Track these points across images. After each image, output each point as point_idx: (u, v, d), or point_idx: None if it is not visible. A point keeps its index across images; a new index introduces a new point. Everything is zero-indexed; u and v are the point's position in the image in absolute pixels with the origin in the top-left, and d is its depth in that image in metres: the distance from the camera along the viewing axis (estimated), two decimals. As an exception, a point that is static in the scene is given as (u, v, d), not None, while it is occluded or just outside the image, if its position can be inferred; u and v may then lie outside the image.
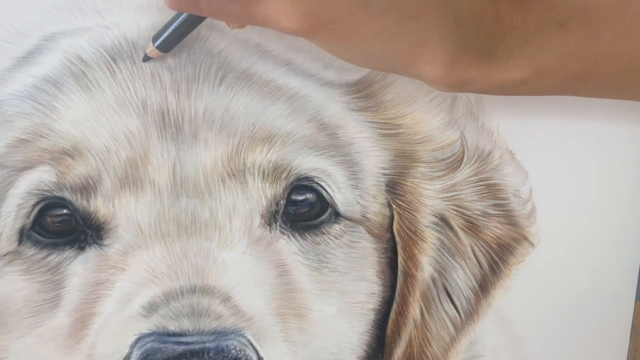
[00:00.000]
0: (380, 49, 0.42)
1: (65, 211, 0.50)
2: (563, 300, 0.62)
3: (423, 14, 0.41)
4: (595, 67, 0.46)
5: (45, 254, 0.51)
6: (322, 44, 0.43)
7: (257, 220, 0.51)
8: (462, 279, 0.57)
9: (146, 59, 0.50)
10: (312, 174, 0.52)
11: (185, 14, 0.48)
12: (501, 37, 0.43)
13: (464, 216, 0.57)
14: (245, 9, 0.40)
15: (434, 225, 0.56)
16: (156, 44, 0.49)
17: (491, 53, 0.43)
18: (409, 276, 0.56)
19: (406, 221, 0.55)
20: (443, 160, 0.56)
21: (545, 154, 0.59)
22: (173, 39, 0.49)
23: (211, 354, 0.47)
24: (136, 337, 0.48)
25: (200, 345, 0.47)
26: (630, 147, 0.60)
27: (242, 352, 0.47)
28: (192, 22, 0.48)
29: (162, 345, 0.47)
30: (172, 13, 0.50)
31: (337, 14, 0.40)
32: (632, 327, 0.64)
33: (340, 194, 0.53)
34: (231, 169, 0.50)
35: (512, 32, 0.43)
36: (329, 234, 0.53)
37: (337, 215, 0.53)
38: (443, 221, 0.56)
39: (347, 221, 0.54)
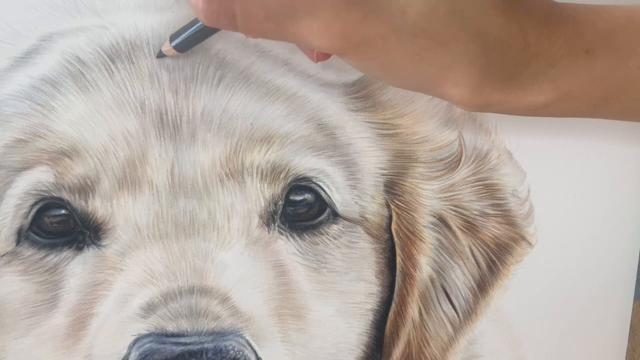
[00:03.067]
0: (408, 71, 0.43)
1: (63, 212, 0.50)
2: (561, 300, 0.62)
3: (452, 40, 0.41)
4: (619, 92, 0.46)
5: (43, 254, 0.50)
6: (352, 62, 0.44)
7: (256, 220, 0.51)
8: (461, 279, 0.57)
9: (160, 55, 0.50)
10: (311, 174, 0.52)
11: None
12: (526, 63, 0.44)
13: (462, 216, 0.57)
14: (280, 27, 0.41)
15: (432, 226, 0.56)
16: (173, 43, 0.49)
17: (515, 78, 0.44)
18: (407, 276, 0.56)
19: (404, 221, 0.55)
20: (441, 160, 0.56)
21: (542, 154, 0.59)
22: (191, 41, 0.48)
23: (209, 355, 0.47)
24: (134, 337, 0.48)
25: (199, 346, 0.47)
26: (628, 146, 0.60)
27: (241, 352, 0.47)
28: (213, 28, 0.48)
29: (160, 346, 0.47)
30: (170, 13, 0.50)
31: (369, 36, 0.41)
32: (631, 327, 0.64)
33: (338, 194, 0.53)
34: (229, 169, 0.50)
35: (538, 59, 0.44)
36: (328, 234, 0.53)
37: (335, 216, 0.53)
38: (441, 221, 0.56)
39: (345, 221, 0.54)
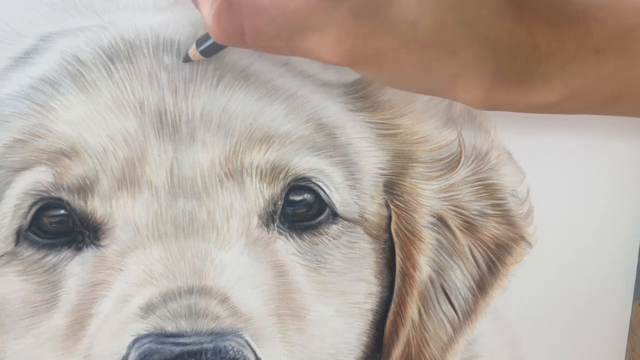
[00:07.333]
0: (418, 79, 0.44)
1: (62, 212, 0.50)
2: (561, 300, 0.62)
3: (462, 49, 0.42)
4: (629, 89, 0.47)
5: (43, 254, 0.50)
6: (362, 72, 0.45)
7: (255, 220, 0.51)
8: (460, 279, 0.57)
9: (187, 59, 0.50)
10: (310, 174, 0.52)
11: None
12: (536, 64, 0.44)
13: (461, 216, 0.57)
14: (290, 44, 0.42)
15: (431, 226, 0.56)
16: (200, 48, 0.49)
17: (526, 80, 0.44)
18: (406, 276, 0.56)
19: (404, 221, 0.55)
20: (441, 160, 0.56)
21: (542, 154, 0.59)
22: (217, 46, 0.48)
23: (209, 355, 0.46)
24: (134, 338, 0.47)
25: (198, 346, 0.47)
26: (628, 146, 0.60)
27: (240, 352, 0.47)
28: None
29: (159, 346, 0.46)
30: (170, 13, 0.50)
31: (378, 49, 0.41)
32: (630, 327, 0.64)
33: (338, 194, 0.53)
34: (229, 170, 0.50)
35: (548, 59, 0.44)
36: (327, 234, 0.53)
37: (335, 216, 0.53)
38: (441, 221, 0.56)
39: (345, 222, 0.53)
